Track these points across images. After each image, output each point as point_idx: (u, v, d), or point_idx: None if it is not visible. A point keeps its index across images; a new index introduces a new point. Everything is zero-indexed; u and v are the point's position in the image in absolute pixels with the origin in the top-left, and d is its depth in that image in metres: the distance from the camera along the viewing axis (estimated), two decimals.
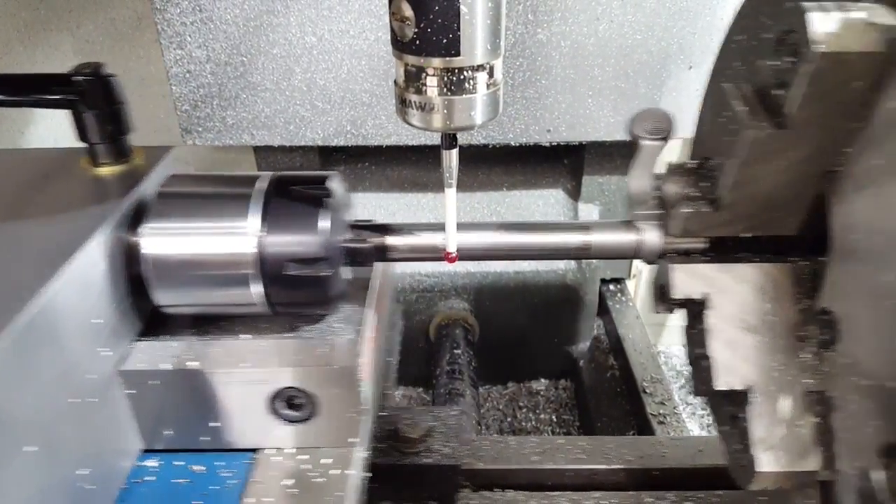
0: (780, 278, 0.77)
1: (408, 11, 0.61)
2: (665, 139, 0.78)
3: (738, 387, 0.75)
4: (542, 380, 2.00)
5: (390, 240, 0.84)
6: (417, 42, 0.62)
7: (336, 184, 0.81)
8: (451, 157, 0.72)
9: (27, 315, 0.61)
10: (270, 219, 0.77)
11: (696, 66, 1.51)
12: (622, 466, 1.07)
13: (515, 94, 1.53)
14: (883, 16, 0.61)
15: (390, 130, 1.57)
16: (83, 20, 1.77)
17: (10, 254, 0.70)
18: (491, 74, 0.66)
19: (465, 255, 0.83)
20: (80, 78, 0.81)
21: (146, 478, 0.79)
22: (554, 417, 1.88)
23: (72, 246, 0.69)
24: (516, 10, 1.43)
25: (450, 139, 0.71)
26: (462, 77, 0.65)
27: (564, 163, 1.82)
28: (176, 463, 0.81)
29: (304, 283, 0.77)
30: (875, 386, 0.63)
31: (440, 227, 0.84)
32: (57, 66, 1.28)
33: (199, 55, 1.47)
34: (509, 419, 1.89)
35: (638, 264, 1.98)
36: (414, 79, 0.66)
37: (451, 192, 0.75)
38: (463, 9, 0.60)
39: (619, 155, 1.72)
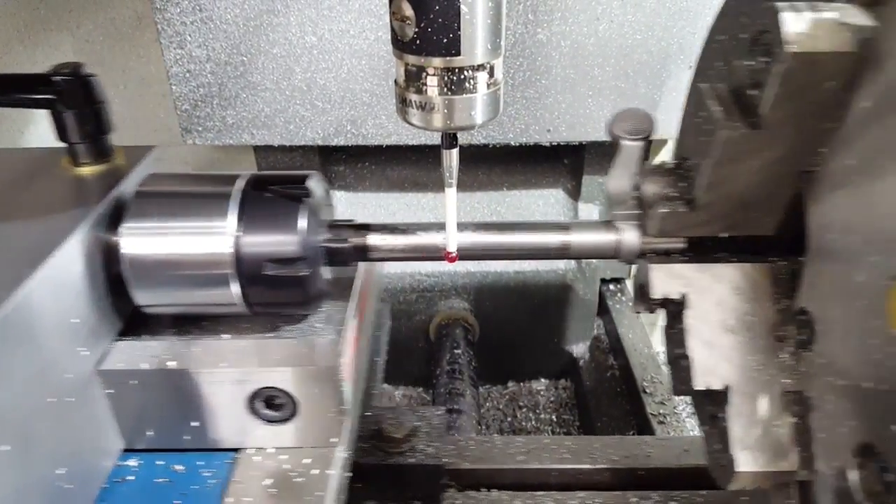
0: (759, 278, 0.77)
1: (408, 11, 0.61)
2: (645, 139, 0.78)
3: (717, 386, 0.75)
4: (542, 380, 2.00)
5: (371, 239, 0.84)
6: (418, 42, 0.63)
7: (315, 184, 0.81)
8: (452, 157, 0.73)
9: (1, 314, 0.62)
10: (247, 218, 0.77)
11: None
12: (607, 466, 1.07)
13: (515, 93, 1.53)
14: (854, 16, 0.60)
15: (390, 130, 1.57)
16: (83, 20, 1.77)
17: None
18: (491, 74, 0.67)
19: (442, 255, 0.83)
20: (58, 78, 0.81)
21: (127, 477, 0.80)
22: (554, 417, 1.88)
23: (49, 246, 0.70)
24: (516, 9, 1.43)
25: (450, 139, 0.71)
26: (462, 77, 0.65)
27: (564, 163, 1.82)
28: (157, 462, 0.81)
29: (282, 283, 0.77)
30: (850, 386, 0.63)
31: (422, 227, 0.84)
32: None
33: (199, 55, 1.47)
34: (509, 419, 1.89)
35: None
36: (414, 78, 0.66)
37: (451, 192, 0.75)
38: (463, 8, 0.60)
39: None
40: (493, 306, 1.85)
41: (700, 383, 0.75)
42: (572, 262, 1.82)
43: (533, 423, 1.87)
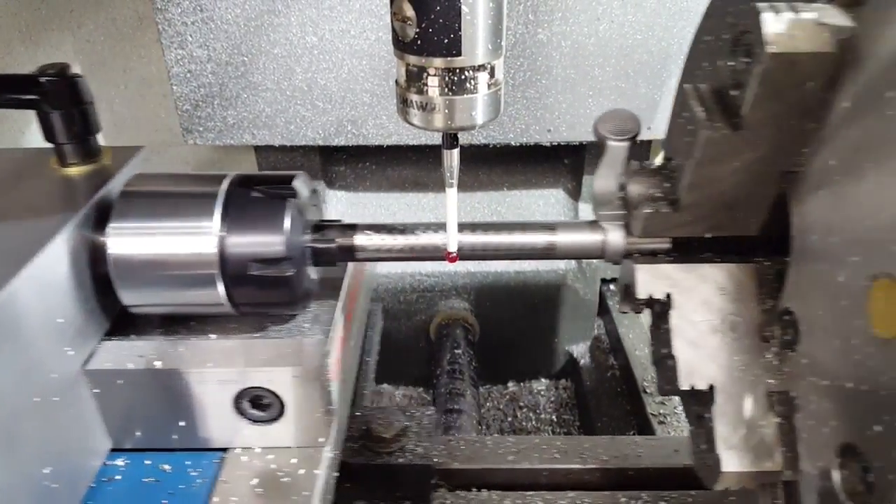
0: (744, 279, 0.76)
1: (409, 11, 0.61)
2: (631, 140, 0.78)
3: (702, 386, 0.74)
4: (543, 380, 1.99)
5: (358, 240, 0.84)
6: (419, 42, 0.63)
7: (301, 184, 0.81)
8: (452, 157, 0.73)
9: None
10: (232, 219, 0.77)
11: None
12: (597, 466, 1.07)
13: (516, 93, 1.53)
14: (834, 16, 0.60)
15: (391, 130, 1.57)
16: (84, 20, 1.78)
17: None
18: (492, 74, 0.67)
19: (429, 255, 0.83)
20: (44, 79, 0.81)
21: (114, 477, 0.80)
22: (554, 417, 1.88)
23: (34, 245, 0.70)
24: (517, 10, 1.43)
25: (451, 139, 0.72)
26: (463, 77, 0.65)
27: (565, 163, 1.81)
28: (144, 462, 0.82)
29: (267, 283, 0.77)
30: (833, 386, 0.62)
31: (410, 227, 0.84)
32: None
33: (200, 55, 1.48)
34: (510, 419, 1.89)
35: None
36: (415, 79, 0.66)
37: (451, 192, 0.75)
38: (464, 9, 0.61)
39: None
40: (493, 306, 1.85)
41: (685, 383, 0.75)
42: (572, 263, 1.81)
43: (533, 423, 1.87)
